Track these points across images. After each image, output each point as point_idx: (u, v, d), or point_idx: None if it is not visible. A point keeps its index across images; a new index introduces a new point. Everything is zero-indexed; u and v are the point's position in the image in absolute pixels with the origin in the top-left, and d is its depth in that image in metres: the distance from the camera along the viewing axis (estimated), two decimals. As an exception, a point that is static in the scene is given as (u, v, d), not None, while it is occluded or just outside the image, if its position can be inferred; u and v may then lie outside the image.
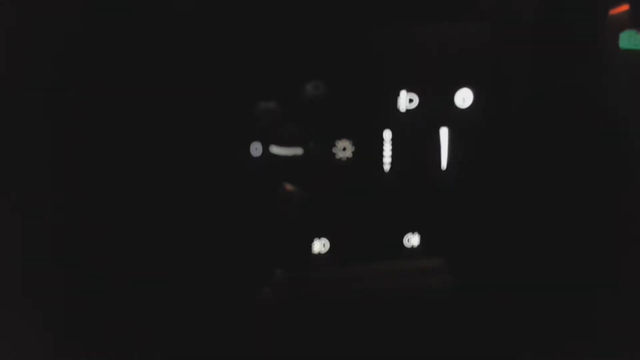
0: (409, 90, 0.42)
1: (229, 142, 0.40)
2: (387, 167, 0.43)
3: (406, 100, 0.42)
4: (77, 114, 0.37)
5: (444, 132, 0.43)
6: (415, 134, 0.43)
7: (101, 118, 0.37)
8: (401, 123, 0.42)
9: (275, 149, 0.41)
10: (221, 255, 0.41)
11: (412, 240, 0.43)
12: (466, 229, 0.43)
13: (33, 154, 0.36)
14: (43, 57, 0.35)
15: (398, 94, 0.42)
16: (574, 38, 0.44)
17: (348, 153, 0.42)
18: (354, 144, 0.42)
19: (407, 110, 0.42)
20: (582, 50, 0.44)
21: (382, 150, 0.42)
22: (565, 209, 0.44)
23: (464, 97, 0.43)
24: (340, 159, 0.42)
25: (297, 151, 0.41)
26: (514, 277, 0.44)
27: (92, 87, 0.37)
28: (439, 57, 0.42)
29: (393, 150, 0.42)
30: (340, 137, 0.42)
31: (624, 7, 0.42)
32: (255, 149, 0.41)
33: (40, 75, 0.35)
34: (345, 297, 0.42)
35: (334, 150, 0.42)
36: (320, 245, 0.43)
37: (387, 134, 0.42)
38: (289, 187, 0.42)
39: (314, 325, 0.42)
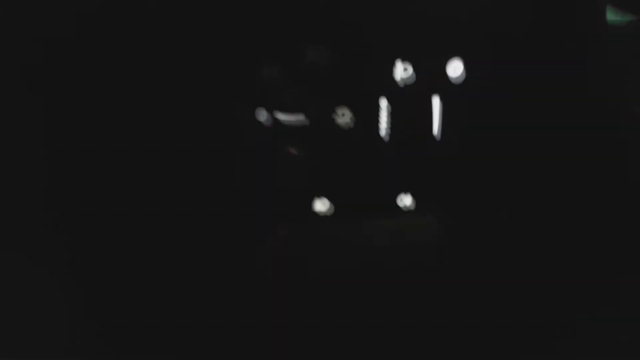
0: (403, 60, 0.45)
1: (235, 108, 0.44)
2: (383, 132, 0.46)
3: (401, 70, 0.45)
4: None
5: (436, 100, 0.46)
6: (409, 102, 0.46)
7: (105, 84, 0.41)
8: (396, 91, 0.46)
9: (279, 115, 0.45)
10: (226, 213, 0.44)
11: (405, 200, 0.47)
12: (456, 190, 0.47)
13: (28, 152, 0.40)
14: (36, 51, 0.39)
15: (394, 64, 0.45)
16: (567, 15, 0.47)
17: (347, 119, 0.45)
18: (352, 111, 0.45)
19: (402, 79, 0.46)
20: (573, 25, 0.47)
21: (378, 116, 0.46)
22: (553, 175, 0.47)
23: (455, 67, 0.46)
24: (339, 125, 0.45)
25: (300, 117, 0.45)
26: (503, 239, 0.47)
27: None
28: (432, 29, 0.45)
29: (389, 116, 0.46)
30: (339, 104, 0.45)
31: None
32: (261, 114, 0.44)
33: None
34: (342, 252, 0.46)
35: (334, 116, 0.45)
36: (320, 204, 0.46)
37: (383, 101, 0.46)
38: (292, 150, 0.45)
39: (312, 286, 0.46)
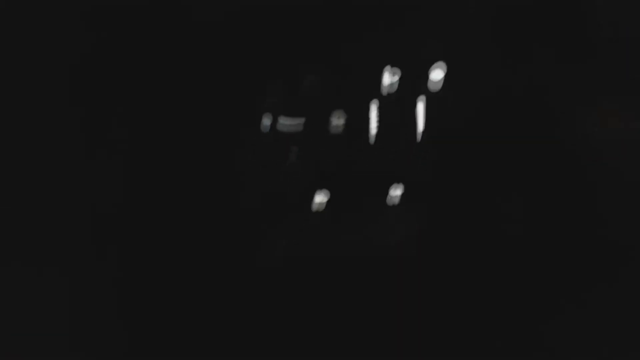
0: (392, 68, 0.52)
1: (246, 114, 0.52)
2: (374, 131, 0.52)
3: (389, 76, 0.52)
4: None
5: (421, 102, 0.52)
6: (397, 104, 0.52)
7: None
8: (385, 95, 0.52)
9: (283, 120, 0.53)
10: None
11: (396, 191, 0.52)
12: (441, 183, 0.52)
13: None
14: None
15: (382, 71, 0.52)
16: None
17: (342, 121, 0.52)
18: (346, 113, 0.52)
19: (390, 84, 0.52)
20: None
21: (369, 118, 0.52)
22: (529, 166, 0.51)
23: (438, 72, 0.52)
24: (335, 127, 0.52)
25: (301, 121, 0.53)
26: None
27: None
28: (417, 40, 0.52)
29: (379, 117, 0.52)
30: (335, 109, 0.52)
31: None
32: (267, 120, 0.52)
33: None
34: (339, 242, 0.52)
35: (331, 119, 0.52)
36: (321, 196, 0.53)
37: (374, 104, 0.52)
38: (295, 149, 0.53)
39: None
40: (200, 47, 0.52)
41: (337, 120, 0.52)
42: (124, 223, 0.52)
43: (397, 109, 0.52)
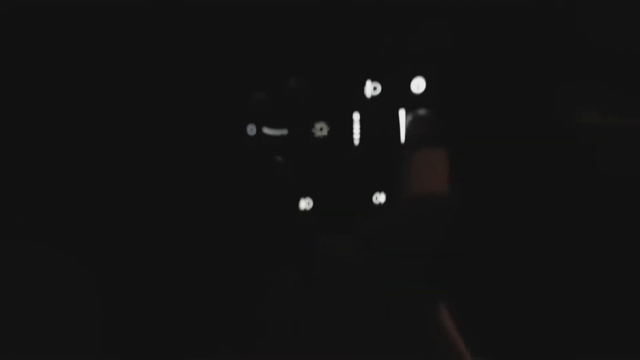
0: (372, 80, 0.53)
1: (229, 124, 0.53)
2: (356, 142, 0.54)
3: (371, 88, 0.53)
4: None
5: (402, 114, 0.54)
6: (378, 116, 0.54)
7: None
8: (367, 107, 0.54)
9: (266, 130, 0.54)
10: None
11: (380, 198, 0.55)
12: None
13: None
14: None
15: (364, 83, 0.53)
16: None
17: (324, 132, 0.54)
18: (329, 125, 0.54)
19: (372, 97, 0.53)
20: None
21: (352, 129, 0.54)
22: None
23: (418, 85, 0.53)
24: (318, 137, 0.54)
25: (284, 131, 0.54)
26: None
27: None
28: (397, 53, 0.53)
29: (361, 128, 0.54)
30: (317, 120, 0.54)
31: None
32: (251, 129, 0.53)
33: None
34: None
35: (313, 130, 0.54)
36: (305, 203, 0.55)
37: (356, 116, 0.54)
38: (279, 158, 0.54)
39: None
40: (183, 56, 0.52)
41: (320, 131, 0.54)
42: (110, 226, 0.53)
43: (378, 119, 0.54)
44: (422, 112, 0.53)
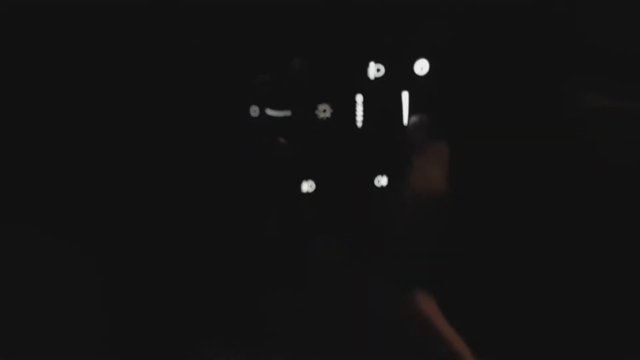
0: (376, 61, 0.53)
1: (233, 105, 0.54)
2: (359, 124, 0.54)
3: (374, 70, 0.53)
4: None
5: (405, 96, 0.54)
6: (382, 97, 0.54)
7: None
8: (370, 89, 0.54)
9: (270, 111, 0.54)
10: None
11: (382, 181, 0.54)
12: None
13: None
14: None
15: (368, 65, 0.53)
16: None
17: (327, 114, 0.54)
18: (332, 107, 0.54)
19: (375, 78, 0.53)
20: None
21: (355, 111, 0.54)
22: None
23: (422, 67, 0.53)
24: (321, 119, 0.54)
25: (287, 113, 0.54)
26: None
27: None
28: (401, 35, 0.53)
29: (364, 110, 0.54)
30: (321, 102, 0.54)
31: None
32: (254, 111, 0.54)
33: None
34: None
35: (316, 112, 0.54)
36: (307, 185, 0.55)
37: (359, 98, 0.54)
38: (282, 140, 0.54)
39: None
40: (186, 40, 0.53)
41: (323, 113, 0.54)
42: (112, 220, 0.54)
43: (381, 101, 0.54)
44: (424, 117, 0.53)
